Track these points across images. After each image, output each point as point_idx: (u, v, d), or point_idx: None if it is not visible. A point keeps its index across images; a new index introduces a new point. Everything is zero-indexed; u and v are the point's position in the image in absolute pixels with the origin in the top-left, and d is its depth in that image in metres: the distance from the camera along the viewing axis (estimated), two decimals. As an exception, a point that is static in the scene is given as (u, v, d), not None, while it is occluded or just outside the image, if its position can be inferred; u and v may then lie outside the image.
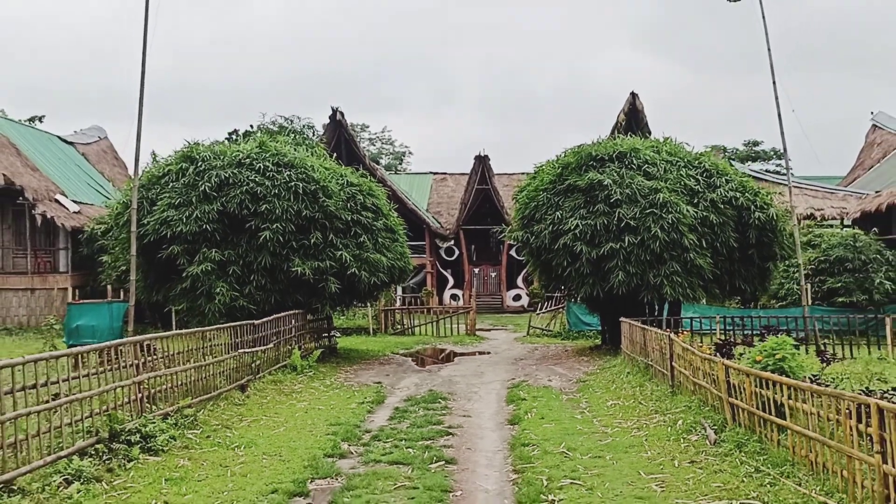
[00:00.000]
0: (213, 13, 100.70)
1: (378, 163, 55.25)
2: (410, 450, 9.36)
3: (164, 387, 10.71)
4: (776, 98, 20.02)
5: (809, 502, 6.33)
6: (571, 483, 7.57)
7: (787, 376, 8.20)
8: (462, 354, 21.76)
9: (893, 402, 6.05)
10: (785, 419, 7.47)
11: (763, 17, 20.26)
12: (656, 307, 19.38)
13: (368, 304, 26.14)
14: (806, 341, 17.68)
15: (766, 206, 18.54)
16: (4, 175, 27.28)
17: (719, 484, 7.17)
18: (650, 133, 40.69)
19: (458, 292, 39.95)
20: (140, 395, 9.94)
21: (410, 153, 77.50)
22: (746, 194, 18.49)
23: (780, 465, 7.27)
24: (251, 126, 66.40)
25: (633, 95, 39.55)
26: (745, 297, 26.93)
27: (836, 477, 6.45)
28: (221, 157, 17.90)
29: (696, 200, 18.01)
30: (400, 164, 74.56)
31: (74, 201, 29.62)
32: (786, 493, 6.64)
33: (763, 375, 8.03)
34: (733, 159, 63.76)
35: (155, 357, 10.79)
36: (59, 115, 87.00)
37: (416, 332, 27.66)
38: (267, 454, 9.25)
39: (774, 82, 20.12)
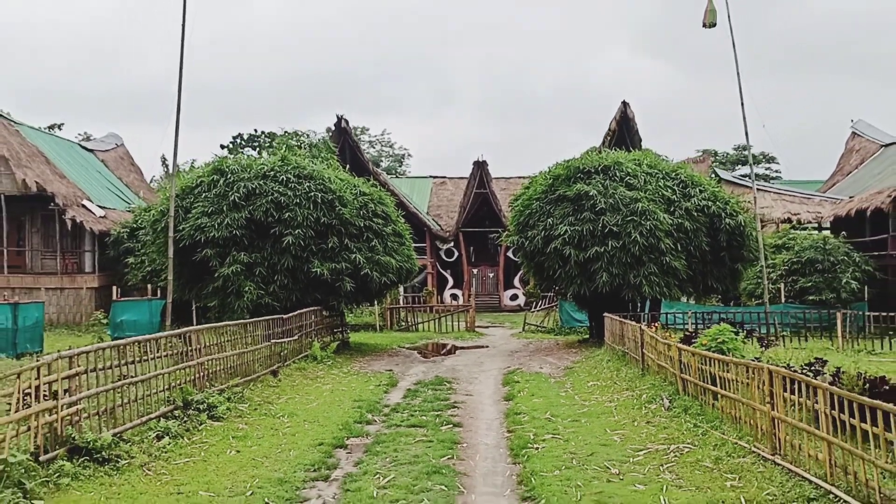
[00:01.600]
0: (213, 13, 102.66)
1: (378, 165, 57.37)
2: (424, 417, 11.51)
3: (217, 369, 12.84)
4: (742, 107, 22.10)
5: (726, 443, 8.49)
6: (552, 437, 9.73)
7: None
8: (463, 348, 23.86)
9: (794, 372, 8.20)
10: (717, 387, 9.63)
11: (731, 31, 22.22)
12: (639, 304, 21.53)
13: (376, 303, 28.21)
14: (767, 333, 19.83)
15: (735, 214, 20.71)
16: (37, 182, 29.33)
17: (665, 435, 9.34)
18: (640, 139, 42.92)
19: (458, 292, 41.99)
20: (201, 375, 12.08)
21: (410, 155, 79.67)
22: (718, 203, 20.67)
23: (712, 421, 9.44)
24: (255, 130, 68.85)
25: (625, 104, 41.57)
26: (728, 296, 29.15)
27: (746, 426, 8.62)
28: (248, 170, 20.00)
29: (672, 209, 20.16)
30: (400, 166, 76.69)
31: (99, 206, 31.70)
32: (712, 439, 8.80)
33: (704, 354, 10.20)
34: (723, 163, 66.03)
35: (209, 344, 12.92)
36: (60, 118, 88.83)
37: (419, 328, 29.77)
38: (307, 421, 11.38)
39: (742, 96, 22.21)
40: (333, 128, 41.58)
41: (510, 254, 39.07)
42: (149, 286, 23.48)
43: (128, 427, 9.45)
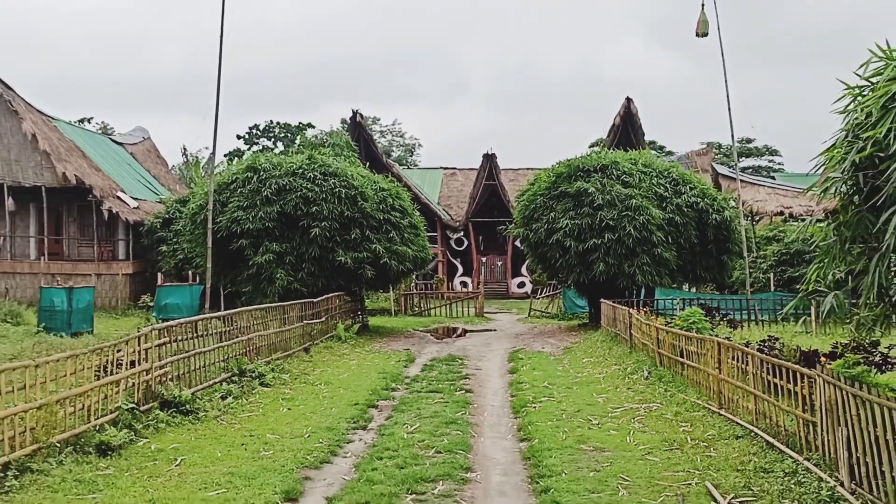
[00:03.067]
0: (230, 4, 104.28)
1: (389, 155, 59.32)
2: (440, 385, 13.57)
3: (262, 344, 14.93)
4: (728, 106, 23.92)
5: (687, 402, 10.51)
6: (547, 399, 11.77)
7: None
8: (472, 331, 25.89)
9: (736, 345, 10.17)
10: (684, 359, 11.64)
11: (719, 39, 23.98)
12: (634, 292, 23.48)
13: (391, 289, 30.28)
14: (749, 318, 21.74)
15: (721, 210, 22.61)
16: (76, 175, 31.45)
17: (640, 398, 11.37)
18: (644, 134, 44.72)
19: (467, 279, 44.00)
20: (250, 349, 14.18)
21: (420, 145, 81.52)
22: (706, 199, 22.57)
23: (680, 386, 11.45)
24: (270, 121, 70.93)
25: (628, 100, 43.30)
26: (723, 284, 31.04)
27: (703, 388, 10.63)
28: (279, 168, 22.02)
29: (664, 205, 22.08)
30: (411, 156, 78.55)
31: (132, 197, 33.85)
32: (677, 399, 10.82)
33: (675, 332, 12.19)
34: (727, 155, 67.60)
35: (255, 323, 15.00)
36: (69, 108, 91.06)
37: (431, 313, 31.83)
38: (341, 388, 13.46)
39: (728, 95, 24.00)
40: (349, 121, 43.68)
41: (518, 243, 41.09)
42: (190, 272, 25.56)
43: (199, 388, 11.55)
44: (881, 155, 5.30)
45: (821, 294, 6.79)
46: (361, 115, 43.18)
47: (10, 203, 31.96)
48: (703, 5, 24.03)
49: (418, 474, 7.64)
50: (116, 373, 9.53)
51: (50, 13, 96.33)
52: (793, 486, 6.69)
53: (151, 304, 23.38)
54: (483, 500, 7.03)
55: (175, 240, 30.98)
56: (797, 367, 7.85)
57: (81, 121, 47.61)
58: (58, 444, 7.94)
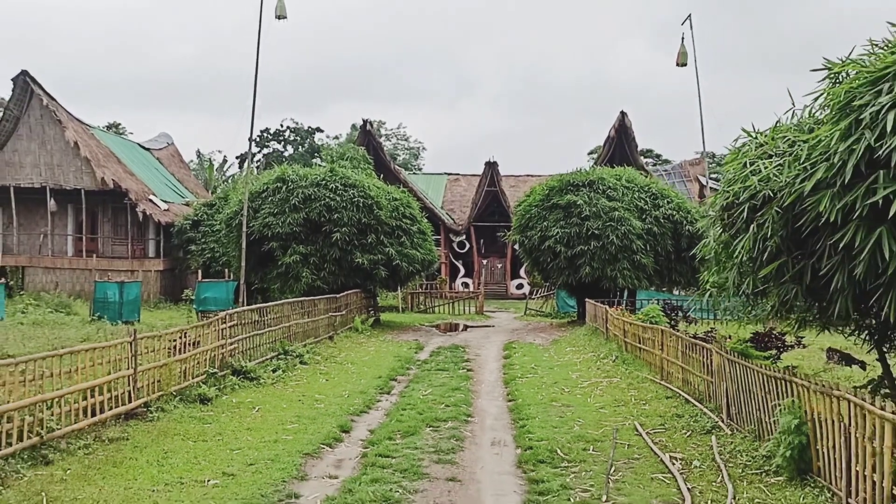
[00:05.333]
0: (241, 3, 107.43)
1: (395, 159, 62.39)
2: (446, 366, 16.57)
3: (298, 331, 17.94)
4: (700, 108, 26.83)
5: (640, 377, 13.50)
6: (532, 376, 14.78)
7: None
8: (473, 327, 28.85)
9: (677, 332, 13.15)
10: (642, 345, 14.64)
11: (692, 41, 26.98)
12: (619, 293, 26.45)
13: (400, 288, 33.28)
14: (710, 317, 24.68)
15: (695, 221, 25.56)
16: (114, 180, 34.52)
17: (605, 374, 14.38)
18: (637, 146, 47.64)
19: (469, 281, 46.92)
20: (289, 334, 17.19)
21: (424, 149, 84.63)
22: (681, 212, 25.57)
23: (637, 366, 14.46)
24: (280, 125, 74.05)
25: (623, 114, 46.16)
26: (699, 288, 33.96)
27: (653, 367, 13.63)
28: (305, 179, 25.03)
29: (644, 216, 25.08)
30: (415, 160, 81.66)
31: (163, 200, 36.91)
32: (632, 375, 13.82)
33: (638, 324, 15.19)
34: (720, 164, 70.53)
35: (292, 313, 18.01)
36: (75, 104, 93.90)
37: (435, 311, 34.86)
38: (365, 366, 16.47)
39: (701, 107, 27.05)
40: (360, 129, 46.75)
41: (517, 247, 43.97)
42: (226, 271, 28.55)
43: (256, 362, 14.57)
44: (736, 201, 8.23)
45: (719, 295, 9.69)
46: (371, 124, 46.25)
47: (51, 204, 35.07)
48: (682, 38, 27.18)
49: (433, 417, 10.65)
50: (186, 351, 12.56)
51: (47, 12, 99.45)
52: (692, 423, 9.70)
53: (192, 297, 26.35)
54: (480, 432, 10.03)
55: (203, 240, 34.09)
56: (703, 343, 10.84)
57: (109, 127, 50.63)
58: (173, 393, 10.96)
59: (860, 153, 6.09)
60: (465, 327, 28.69)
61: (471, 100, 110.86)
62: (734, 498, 6.77)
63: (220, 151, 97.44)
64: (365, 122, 46.29)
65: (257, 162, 70.24)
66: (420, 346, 20.89)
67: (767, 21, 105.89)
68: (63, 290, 32.94)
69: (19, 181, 35.23)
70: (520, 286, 46.91)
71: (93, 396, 9.04)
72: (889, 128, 5.85)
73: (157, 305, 33.58)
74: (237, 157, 71.18)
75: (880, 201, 5.93)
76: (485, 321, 31.62)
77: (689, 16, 26.00)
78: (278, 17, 22.34)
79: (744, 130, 8.77)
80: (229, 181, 62.30)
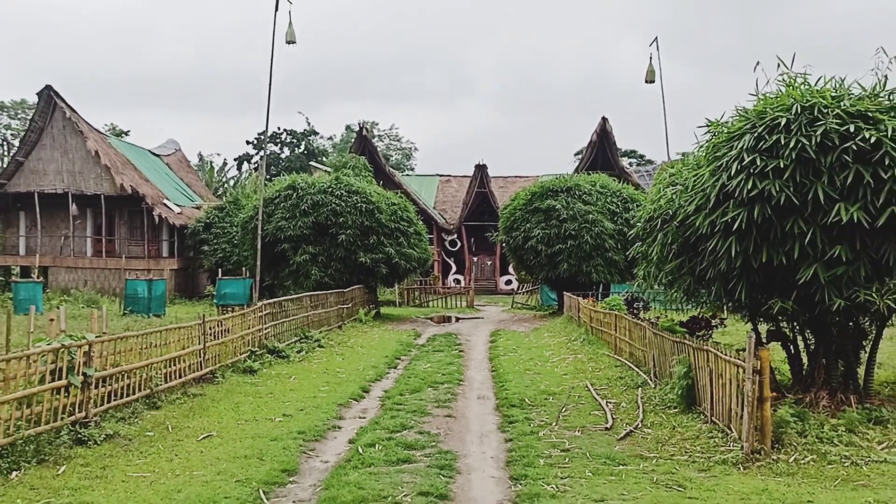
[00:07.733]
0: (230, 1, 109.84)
1: (388, 160, 65.32)
2: (442, 348, 19.64)
3: (314, 320, 20.96)
4: (665, 120, 30.06)
5: (599, 354, 16.60)
6: (512, 354, 17.88)
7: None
8: (464, 318, 31.92)
9: (635, 318, 16.24)
10: (603, 328, 17.75)
11: (655, 55, 30.12)
12: (595, 286, 29.55)
13: (397, 284, 36.32)
14: (669, 308, 27.78)
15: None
16: (131, 186, 37.37)
17: (571, 353, 17.49)
18: (618, 148, 50.62)
19: (460, 277, 49.92)
20: (307, 322, 20.21)
21: (416, 149, 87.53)
22: (649, 214, 28.67)
23: (599, 346, 17.57)
24: (278, 128, 76.79)
25: (604, 119, 49.09)
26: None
27: (610, 345, 16.74)
28: (313, 187, 28.01)
29: (615, 218, 28.19)
30: (408, 160, 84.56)
31: (176, 204, 39.80)
32: (593, 353, 16.93)
33: (600, 311, 18.28)
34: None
35: (308, 305, 21.03)
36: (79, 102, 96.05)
37: (429, 305, 37.91)
38: (373, 349, 19.50)
39: (665, 112, 30.12)
40: (356, 132, 49.77)
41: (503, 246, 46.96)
42: (244, 269, 31.54)
43: (284, 344, 17.58)
44: (653, 216, 11.30)
45: (644, 283, 12.72)
46: (367, 129, 49.28)
47: (73, 208, 37.91)
48: (650, 58, 30.32)
49: (433, 381, 13.74)
50: (225, 334, 15.56)
51: (46, 12, 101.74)
52: (629, 381, 12.82)
53: (214, 293, 29.31)
54: (469, 391, 13.10)
55: (215, 241, 37.05)
56: (642, 322, 13.94)
57: (118, 135, 53.41)
58: (227, 365, 13.98)
59: (719, 188, 9.19)
60: (457, 319, 31.75)
61: (466, 99, 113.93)
62: (642, 421, 9.87)
63: (218, 154, 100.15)
64: (361, 126, 49.30)
65: (254, 164, 73.00)
66: (418, 334, 23.94)
67: (766, 21, 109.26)
68: (87, 289, 35.81)
69: (43, 187, 38.02)
70: (508, 282, 49.89)
71: (178, 363, 12.05)
72: (733, 172, 8.96)
73: (173, 301, 36.45)
74: (235, 160, 74.06)
75: (730, 220, 9.02)
76: (475, 314, 34.67)
77: (656, 38, 29.16)
78: (288, 42, 25.29)
79: (663, 163, 11.84)
80: (229, 183, 65.22)
